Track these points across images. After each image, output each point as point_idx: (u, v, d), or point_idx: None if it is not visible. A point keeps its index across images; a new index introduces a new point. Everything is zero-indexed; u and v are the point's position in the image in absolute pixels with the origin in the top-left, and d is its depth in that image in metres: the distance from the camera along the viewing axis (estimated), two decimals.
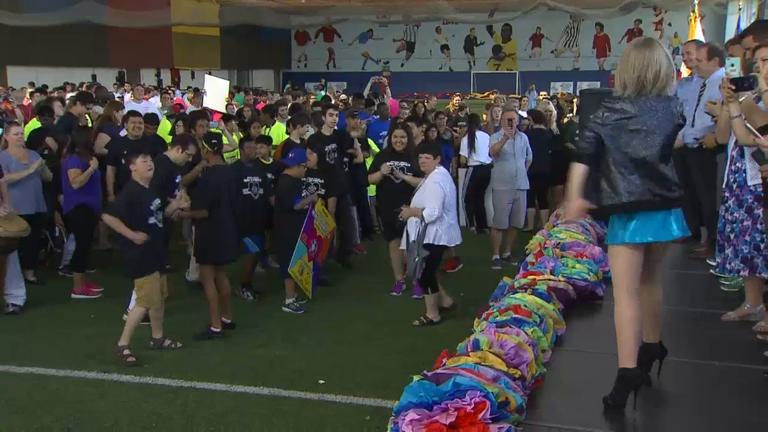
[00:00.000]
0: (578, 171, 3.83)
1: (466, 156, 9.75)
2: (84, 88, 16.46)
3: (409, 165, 7.41)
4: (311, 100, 16.40)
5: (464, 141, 9.88)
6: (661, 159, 3.74)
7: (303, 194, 7.36)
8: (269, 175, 7.86)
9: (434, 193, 6.54)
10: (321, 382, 5.42)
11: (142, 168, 5.92)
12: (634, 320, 3.79)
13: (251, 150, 7.79)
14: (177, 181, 6.94)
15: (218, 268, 6.51)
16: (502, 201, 8.43)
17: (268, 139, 8.80)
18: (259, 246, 7.63)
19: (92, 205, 7.57)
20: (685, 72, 9.92)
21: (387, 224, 7.80)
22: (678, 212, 3.83)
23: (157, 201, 5.99)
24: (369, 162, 8.99)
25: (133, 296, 6.10)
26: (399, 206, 6.85)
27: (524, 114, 12.19)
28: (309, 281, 7.25)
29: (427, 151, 6.80)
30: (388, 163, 7.49)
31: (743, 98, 4.55)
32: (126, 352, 5.75)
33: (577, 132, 9.65)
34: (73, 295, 7.47)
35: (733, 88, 4.45)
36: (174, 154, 6.92)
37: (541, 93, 23.74)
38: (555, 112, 11.21)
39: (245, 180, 7.46)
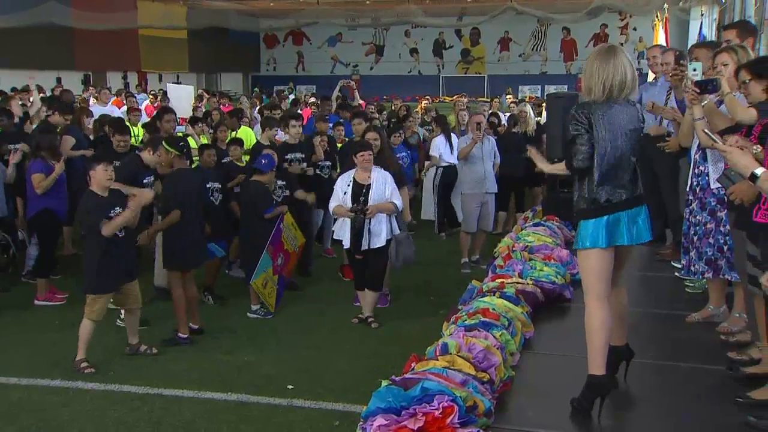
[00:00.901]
0: (561, 168, 4.03)
1: (438, 156, 9.69)
2: (53, 93, 16.25)
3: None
4: (285, 103, 16.38)
5: (439, 141, 9.84)
6: (628, 161, 3.84)
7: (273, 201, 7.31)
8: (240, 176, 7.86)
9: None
10: (289, 387, 5.39)
11: (101, 176, 5.67)
12: (604, 327, 3.82)
13: (209, 158, 7.71)
14: (145, 182, 6.85)
15: (185, 273, 6.44)
16: (470, 204, 8.47)
17: (239, 141, 8.75)
18: (224, 253, 7.55)
19: (57, 210, 7.43)
20: (650, 76, 10.06)
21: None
22: (646, 213, 3.92)
23: (117, 209, 5.70)
24: None
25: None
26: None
27: (503, 117, 12.31)
28: (273, 295, 7.17)
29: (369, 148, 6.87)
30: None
31: (705, 102, 4.61)
32: (83, 365, 5.64)
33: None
34: (36, 302, 7.33)
35: (697, 91, 4.52)
36: (146, 155, 6.83)
37: (508, 96, 23.89)
38: (531, 114, 11.21)
39: (207, 186, 7.40)
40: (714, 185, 4.87)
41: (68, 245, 9.00)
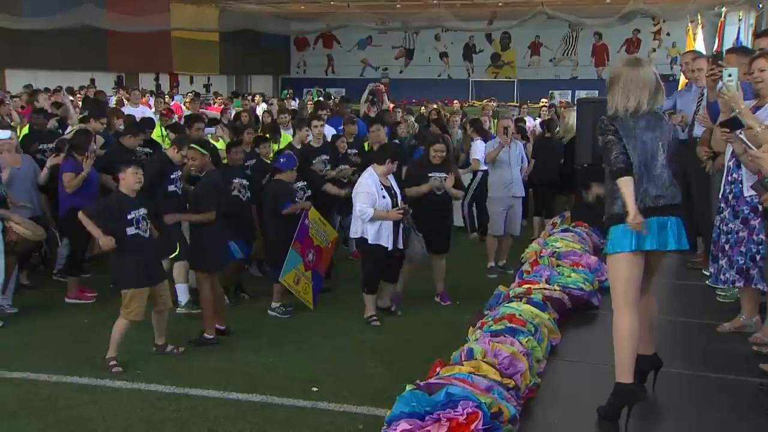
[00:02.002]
0: (627, 185, 3.76)
1: (479, 160, 9.65)
2: (87, 93, 16.47)
3: (445, 177, 7.24)
4: (309, 105, 16.41)
5: (479, 145, 9.81)
6: (663, 169, 3.82)
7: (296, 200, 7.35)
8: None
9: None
10: (314, 389, 5.39)
11: (131, 180, 5.84)
12: (632, 335, 3.78)
13: (237, 155, 7.77)
14: (173, 177, 7.08)
15: (213, 273, 6.48)
16: (497, 208, 8.45)
17: (265, 139, 8.82)
18: (245, 253, 7.58)
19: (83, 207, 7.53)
20: (681, 82, 9.93)
21: (429, 239, 7.18)
22: (679, 222, 3.89)
23: (143, 210, 5.84)
24: None
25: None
26: (440, 219, 7.31)
27: (533, 121, 12.19)
28: (308, 291, 7.20)
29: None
30: (436, 176, 7.25)
31: (740, 109, 4.53)
32: (112, 363, 5.70)
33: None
34: (66, 300, 7.42)
35: (727, 131, 4.44)
36: (171, 153, 7.16)
37: (542, 99, 23.71)
38: (573, 119, 10.92)
39: (233, 181, 7.48)
40: (747, 193, 4.79)
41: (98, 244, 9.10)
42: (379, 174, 6.91)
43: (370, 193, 6.78)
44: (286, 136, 10.62)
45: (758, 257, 4.85)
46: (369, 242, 6.82)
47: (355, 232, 7.02)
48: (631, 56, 4.13)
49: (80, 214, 5.88)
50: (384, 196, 6.81)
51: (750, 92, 4.89)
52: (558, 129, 10.56)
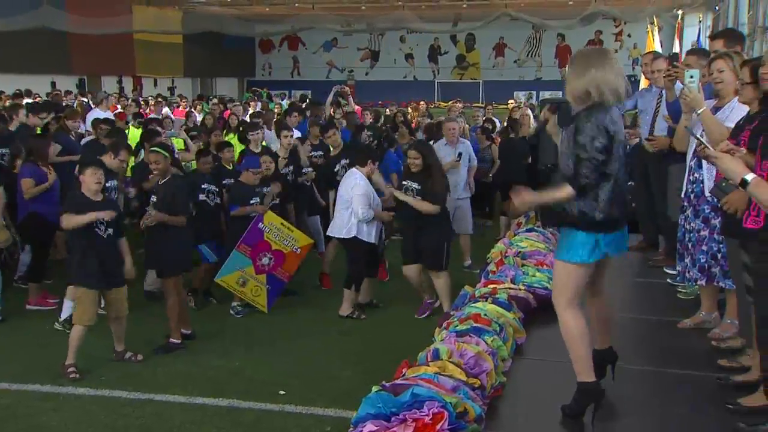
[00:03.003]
0: (566, 194, 3.56)
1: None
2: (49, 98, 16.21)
3: (419, 187, 6.95)
4: (277, 110, 16.36)
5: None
6: (624, 171, 3.67)
7: (252, 202, 7.36)
8: (227, 181, 7.90)
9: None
10: (281, 392, 5.38)
11: (89, 180, 5.80)
12: (584, 333, 3.71)
13: (205, 165, 7.75)
14: (108, 185, 6.85)
15: (178, 278, 6.43)
16: None
17: (229, 144, 8.79)
18: (218, 256, 7.55)
19: (47, 214, 7.39)
20: (642, 83, 10.07)
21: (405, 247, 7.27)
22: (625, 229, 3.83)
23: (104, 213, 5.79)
24: None
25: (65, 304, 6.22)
26: (415, 227, 7.05)
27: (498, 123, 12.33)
28: (260, 294, 7.21)
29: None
30: (410, 185, 7.05)
31: (701, 110, 4.61)
32: (70, 370, 5.62)
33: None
34: (27, 306, 7.30)
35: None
36: (108, 160, 7.03)
37: (510, 101, 23.92)
38: (532, 118, 11.00)
39: (202, 186, 7.49)
40: (708, 192, 4.87)
41: (61, 250, 8.95)
42: (364, 175, 7.09)
43: (368, 195, 7.01)
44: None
45: (719, 255, 4.94)
46: (364, 241, 7.06)
47: (347, 232, 7.08)
48: (594, 48, 4.23)
49: (63, 219, 5.77)
50: (376, 196, 7.16)
51: (709, 92, 4.98)
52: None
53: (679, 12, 18.24)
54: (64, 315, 6.65)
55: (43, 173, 7.47)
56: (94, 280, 5.74)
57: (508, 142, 10.44)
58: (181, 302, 6.43)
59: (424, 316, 7.14)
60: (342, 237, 7.20)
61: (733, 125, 4.43)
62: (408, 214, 7.09)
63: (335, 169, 8.39)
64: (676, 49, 14.80)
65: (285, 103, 22.71)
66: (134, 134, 11.31)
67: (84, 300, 5.71)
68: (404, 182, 7.19)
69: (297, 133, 9.95)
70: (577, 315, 3.69)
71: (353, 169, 7.21)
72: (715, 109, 4.80)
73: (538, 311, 5.60)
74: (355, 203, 6.95)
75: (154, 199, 6.45)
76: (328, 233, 7.61)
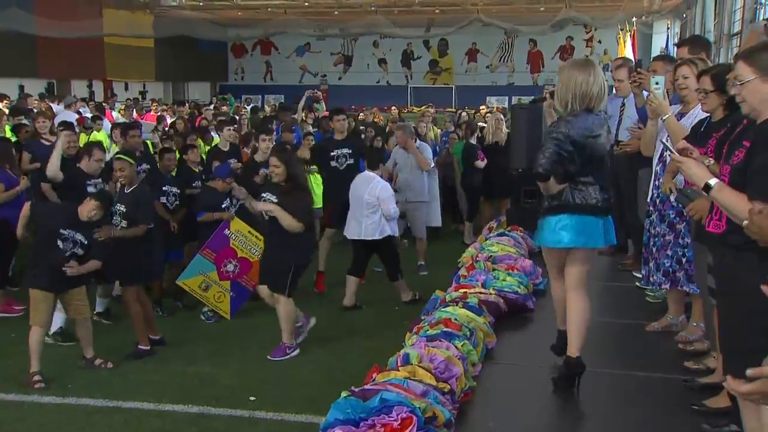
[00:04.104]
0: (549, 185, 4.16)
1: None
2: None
3: (278, 201, 6.28)
4: (244, 112, 16.30)
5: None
6: (603, 168, 4.23)
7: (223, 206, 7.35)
8: (196, 183, 7.85)
9: None
10: (252, 399, 5.34)
11: (83, 210, 5.73)
12: (564, 298, 4.34)
13: (169, 162, 7.72)
14: (90, 189, 6.87)
15: (140, 287, 6.37)
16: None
17: (192, 146, 8.75)
18: (178, 258, 7.51)
19: (13, 220, 7.28)
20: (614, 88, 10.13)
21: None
22: (609, 221, 4.27)
23: (79, 237, 5.71)
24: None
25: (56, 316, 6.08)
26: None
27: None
28: (223, 301, 7.19)
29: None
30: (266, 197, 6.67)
31: (666, 116, 4.68)
32: (35, 378, 5.51)
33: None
34: None
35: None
36: (84, 164, 7.04)
37: (482, 107, 24.01)
38: (504, 123, 10.86)
39: (163, 188, 7.44)
40: (673, 197, 4.94)
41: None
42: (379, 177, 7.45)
43: (393, 195, 7.50)
44: (217, 139, 10.56)
45: (684, 260, 5.00)
46: (393, 236, 7.51)
47: (381, 233, 7.37)
48: (579, 58, 4.73)
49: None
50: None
51: (677, 98, 5.05)
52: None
53: (633, 20, 18.47)
54: (53, 328, 6.46)
55: (14, 178, 7.37)
56: (45, 282, 5.64)
57: (467, 148, 10.48)
58: (145, 310, 6.37)
59: (283, 357, 6.15)
60: (376, 239, 7.38)
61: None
62: (265, 229, 6.45)
63: (332, 155, 8.24)
64: (629, 55, 14.98)
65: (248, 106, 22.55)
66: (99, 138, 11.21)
67: (37, 302, 5.62)
68: (263, 194, 6.63)
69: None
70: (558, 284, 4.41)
71: (370, 173, 7.43)
72: (680, 115, 4.87)
73: (508, 315, 5.64)
74: (386, 204, 7.29)
75: (121, 207, 6.37)
76: (356, 237, 7.52)
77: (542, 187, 4.22)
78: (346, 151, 8.22)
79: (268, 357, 6.11)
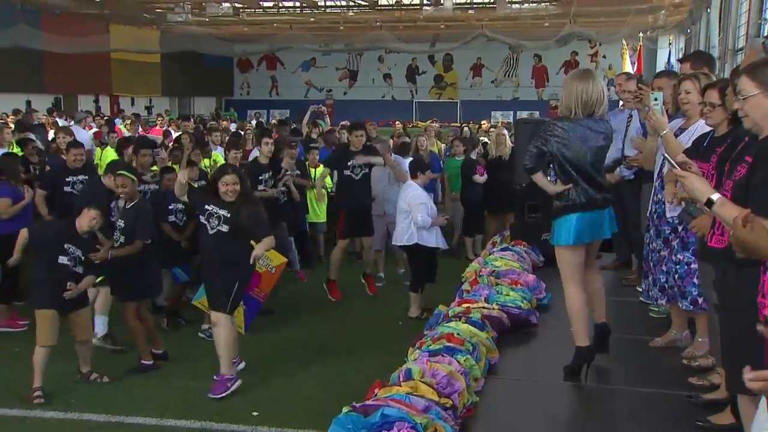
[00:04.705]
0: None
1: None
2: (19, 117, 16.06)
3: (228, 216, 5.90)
4: (249, 128, 16.36)
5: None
6: (597, 167, 4.66)
7: None
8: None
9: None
10: (254, 414, 5.32)
11: (83, 220, 5.77)
12: (582, 306, 4.65)
13: (170, 182, 7.68)
14: (111, 206, 6.83)
15: (140, 303, 6.37)
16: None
17: (194, 163, 8.77)
18: (188, 276, 7.50)
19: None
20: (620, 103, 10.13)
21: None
22: (611, 212, 4.74)
23: (79, 252, 5.73)
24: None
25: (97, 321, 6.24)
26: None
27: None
28: (238, 316, 7.12)
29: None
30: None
31: (664, 132, 4.69)
32: (36, 394, 5.51)
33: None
34: None
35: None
36: (108, 180, 6.90)
37: (483, 121, 24.05)
38: (508, 138, 10.76)
39: (170, 207, 7.41)
40: (669, 214, 4.93)
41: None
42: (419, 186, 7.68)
43: (426, 204, 7.61)
44: (217, 155, 10.60)
45: (677, 276, 4.99)
46: (424, 246, 7.59)
47: (409, 239, 7.62)
48: (580, 69, 5.10)
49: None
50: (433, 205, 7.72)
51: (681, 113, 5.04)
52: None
53: (640, 35, 18.53)
54: (99, 332, 6.71)
55: (20, 192, 7.40)
56: (50, 302, 5.63)
57: (466, 162, 10.50)
58: (147, 325, 6.37)
59: (225, 393, 5.64)
60: (404, 244, 7.71)
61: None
62: (206, 244, 5.94)
63: (349, 164, 8.29)
64: (630, 69, 15.05)
65: (253, 122, 22.66)
66: (111, 155, 11.26)
67: (42, 321, 5.62)
68: (208, 206, 5.86)
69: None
70: (576, 290, 4.69)
71: (410, 181, 7.77)
72: (681, 130, 4.87)
73: (511, 331, 5.62)
74: (414, 211, 7.47)
75: (121, 223, 6.38)
76: (393, 242, 8.13)
77: (540, 186, 4.76)
78: (267, 174, 8.31)
79: (209, 395, 5.58)
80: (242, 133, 14.30)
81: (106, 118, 17.49)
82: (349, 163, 8.29)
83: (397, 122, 20.64)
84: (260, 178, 8.26)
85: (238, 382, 5.70)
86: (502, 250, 7.56)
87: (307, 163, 10.23)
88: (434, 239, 7.69)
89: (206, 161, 10.24)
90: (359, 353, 6.68)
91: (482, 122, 22.21)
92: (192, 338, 7.15)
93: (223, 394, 5.58)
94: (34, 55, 24.26)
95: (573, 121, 4.58)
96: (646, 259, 5.30)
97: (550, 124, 4.66)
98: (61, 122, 15.92)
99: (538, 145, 4.62)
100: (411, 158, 9.32)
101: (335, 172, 8.92)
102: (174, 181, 7.67)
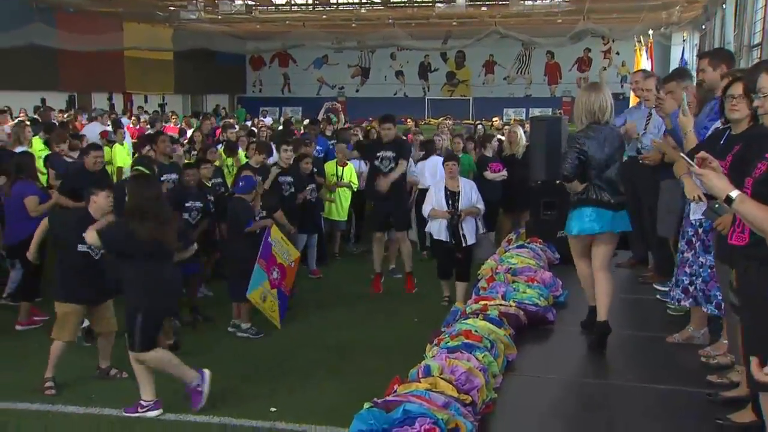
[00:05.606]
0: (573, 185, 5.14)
1: (416, 179, 9.87)
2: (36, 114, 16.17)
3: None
4: (262, 125, 16.42)
5: (420, 165, 10.03)
6: (610, 169, 5.10)
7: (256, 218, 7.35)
8: (210, 197, 7.91)
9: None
10: (273, 409, 5.36)
11: (103, 203, 5.76)
12: (591, 275, 5.24)
13: (190, 177, 7.75)
14: (188, 205, 7.36)
15: None
16: None
17: (208, 160, 8.86)
18: (195, 271, 7.54)
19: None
20: (632, 100, 10.12)
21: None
22: (623, 214, 5.15)
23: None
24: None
25: None
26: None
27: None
28: (275, 310, 7.19)
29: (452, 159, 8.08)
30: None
31: (688, 131, 4.66)
32: (47, 384, 5.58)
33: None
34: (18, 327, 7.23)
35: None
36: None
37: (494, 118, 24.00)
38: (522, 136, 10.81)
39: (186, 204, 7.47)
40: (693, 216, 4.92)
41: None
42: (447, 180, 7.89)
43: (431, 195, 7.89)
44: (241, 153, 10.69)
45: (700, 280, 4.97)
46: (436, 239, 7.87)
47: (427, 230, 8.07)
48: (590, 82, 5.34)
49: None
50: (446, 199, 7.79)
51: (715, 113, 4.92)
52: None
53: (650, 32, 18.41)
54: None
55: (42, 193, 7.47)
56: (72, 295, 5.68)
57: (480, 159, 10.50)
58: None
59: (134, 414, 5.32)
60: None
61: None
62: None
63: (378, 155, 8.52)
64: (646, 66, 14.98)
65: (269, 120, 22.74)
66: (120, 152, 11.36)
67: (67, 316, 5.67)
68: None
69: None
70: (584, 265, 5.35)
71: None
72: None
73: (528, 328, 5.63)
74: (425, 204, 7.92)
75: None
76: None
77: (568, 187, 5.25)
78: (390, 153, 8.48)
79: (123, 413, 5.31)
80: (255, 130, 14.38)
81: (113, 116, 17.54)
82: (377, 154, 8.46)
83: (408, 119, 20.63)
84: (282, 183, 8.41)
85: (156, 412, 5.30)
86: (518, 247, 7.55)
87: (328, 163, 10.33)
88: (439, 232, 7.77)
89: (229, 160, 10.27)
90: (375, 350, 6.71)
91: (494, 119, 22.17)
92: (210, 335, 7.20)
93: (130, 415, 5.28)
94: (49, 52, 24.41)
95: (588, 131, 5.06)
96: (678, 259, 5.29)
97: (575, 137, 5.16)
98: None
99: (576, 156, 5.05)
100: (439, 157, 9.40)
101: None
102: (194, 177, 7.74)
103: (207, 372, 5.39)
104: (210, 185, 8.36)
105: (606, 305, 5.13)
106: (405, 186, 8.90)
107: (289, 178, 8.73)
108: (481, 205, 7.90)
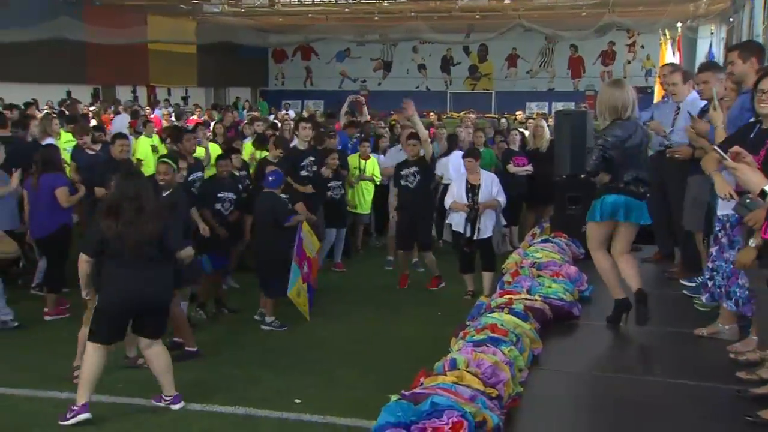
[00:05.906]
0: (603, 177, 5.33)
1: (440, 175, 9.81)
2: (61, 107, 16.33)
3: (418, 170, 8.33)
4: (287, 119, 16.43)
5: (444, 160, 9.98)
6: (634, 162, 5.24)
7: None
8: (241, 187, 8.00)
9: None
10: (297, 401, 5.40)
11: None
12: (610, 267, 5.41)
13: (224, 168, 7.80)
14: (220, 196, 7.57)
15: (182, 289, 6.46)
16: None
17: (238, 150, 8.93)
18: (223, 264, 7.58)
19: (69, 223, 7.51)
20: (657, 93, 10.01)
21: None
22: (644, 205, 5.29)
23: None
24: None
25: None
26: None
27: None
28: (306, 304, 7.26)
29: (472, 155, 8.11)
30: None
31: (717, 126, 4.62)
32: (76, 373, 5.59)
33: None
34: (46, 318, 7.33)
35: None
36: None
37: (518, 112, 23.89)
38: (547, 130, 10.72)
39: (219, 195, 7.52)
40: (720, 212, 4.87)
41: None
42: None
43: (452, 188, 8.12)
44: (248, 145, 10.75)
45: (723, 275, 4.93)
46: (454, 230, 8.03)
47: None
48: (613, 78, 5.50)
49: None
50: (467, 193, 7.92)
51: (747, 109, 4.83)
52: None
53: (678, 25, 18.17)
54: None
55: (71, 184, 7.58)
56: None
57: (505, 152, 10.47)
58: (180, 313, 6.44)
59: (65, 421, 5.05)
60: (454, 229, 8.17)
61: None
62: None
63: (402, 173, 8.58)
64: (674, 60, 14.81)
65: (292, 113, 22.79)
66: (144, 144, 11.43)
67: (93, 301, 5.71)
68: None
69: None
70: (602, 254, 5.48)
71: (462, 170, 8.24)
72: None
73: (554, 322, 5.61)
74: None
75: None
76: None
77: (596, 180, 5.46)
78: (414, 169, 8.47)
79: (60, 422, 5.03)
80: (279, 124, 14.41)
81: (134, 108, 17.66)
82: (402, 173, 8.50)
83: (431, 113, 20.58)
84: (302, 164, 8.40)
85: (85, 415, 5.01)
86: (543, 241, 7.52)
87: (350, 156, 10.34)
88: (458, 224, 7.91)
89: (260, 153, 10.24)
90: (399, 343, 6.73)
91: (517, 113, 22.06)
92: (236, 326, 7.26)
93: (64, 423, 5.01)
94: (77, 46, 24.61)
95: (613, 128, 5.19)
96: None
97: (600, 135, 5.34)
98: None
99: (601, 154, 5.21)
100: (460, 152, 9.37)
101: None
102: (227, 168, 7.80)
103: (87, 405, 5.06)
104: (237, 175, 8.41)
105: (636, 276, 5.32)
106: (432, 204, 8.91)
107: (310, 158, 8.70)
108: (501, 198, 7.95)
